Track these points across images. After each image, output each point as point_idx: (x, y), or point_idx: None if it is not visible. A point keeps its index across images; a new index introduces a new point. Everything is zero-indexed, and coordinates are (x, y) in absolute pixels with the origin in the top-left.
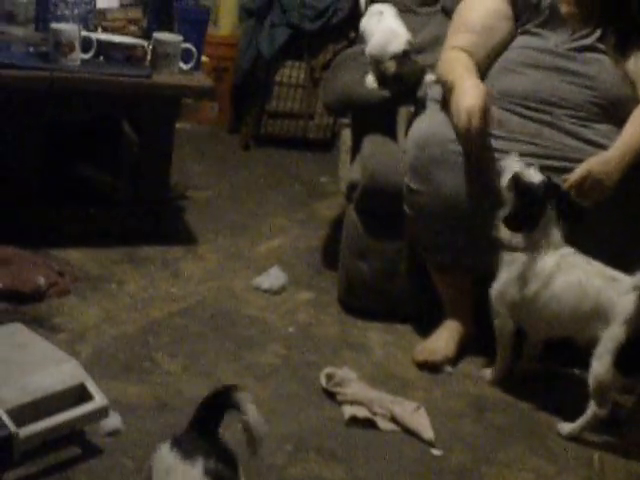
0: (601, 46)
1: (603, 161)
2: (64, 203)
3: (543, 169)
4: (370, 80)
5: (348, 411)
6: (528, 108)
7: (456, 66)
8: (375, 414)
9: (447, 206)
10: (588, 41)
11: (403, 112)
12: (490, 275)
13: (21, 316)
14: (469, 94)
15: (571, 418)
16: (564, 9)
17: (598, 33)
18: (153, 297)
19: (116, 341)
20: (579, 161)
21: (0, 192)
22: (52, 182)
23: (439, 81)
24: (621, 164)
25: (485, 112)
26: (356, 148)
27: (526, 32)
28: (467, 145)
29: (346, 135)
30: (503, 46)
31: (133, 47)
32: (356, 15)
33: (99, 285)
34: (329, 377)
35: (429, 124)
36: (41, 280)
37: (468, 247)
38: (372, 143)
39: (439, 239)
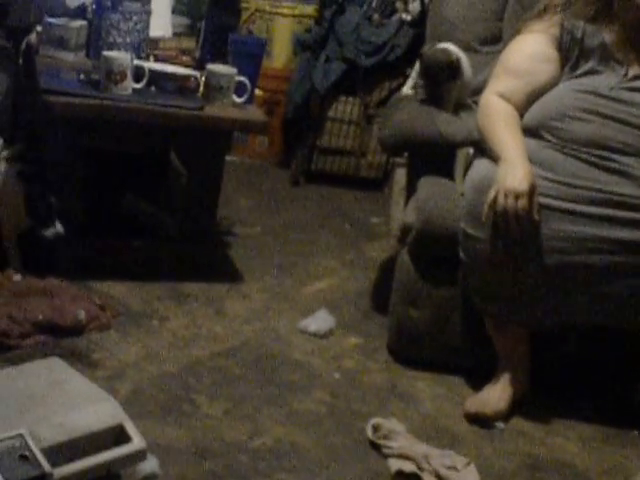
0: None
1: None
2: (108, 235)
3: (606, 219)
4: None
5: (394, 465)
6: (593, 155)
7: (499, 124)
8: (422, 469)
9: (505, 255)
10: None
11: (462, 154)
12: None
13: (60, 350)
14: (519, 176)
15: None
16: (616, 51)
17: None
18: (195, 336)
19: (156, 380)
20: None
21: (44, 220)
22: (97, 213)
23: (479, 128)
24: None
25: (532, 197)
26: (411, 189)
27: (578, 75)
28: (506, 223)
29: (399, 175)
30: (545, 89)
31: (186, 78)
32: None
33: (141, 321)
34: (376, 428)
35: (489, 167)
36: (82, 314)
37: (526, 301)
38: (429, 185)
39: (495, 289)
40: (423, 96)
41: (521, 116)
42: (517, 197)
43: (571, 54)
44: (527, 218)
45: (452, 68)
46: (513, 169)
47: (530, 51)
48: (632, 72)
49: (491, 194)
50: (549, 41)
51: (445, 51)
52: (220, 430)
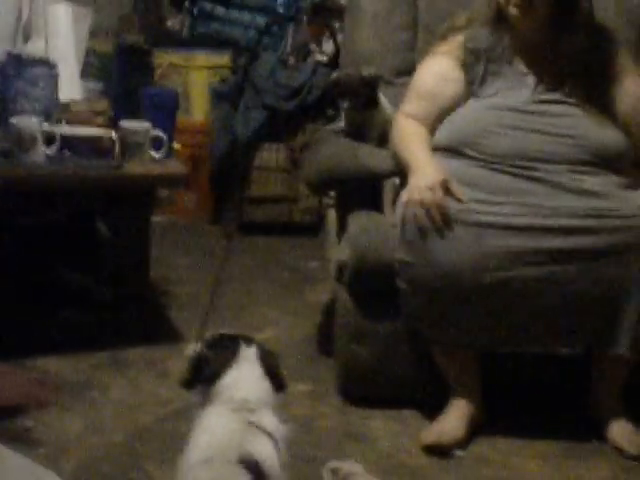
0: (569, 99)
1: None
2: (40, 308)
3: (536, 229)
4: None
5: None
6: (516, 167)
7: (409, 141)
8: None
9: (445, 277)
10: (555, 95)
11: (389, 185)
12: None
13: None
14: (428, 173)
15: None
16: (521, 65)
17: (566, 88)
18: (139, 401)
19: (102, 452)
20: (573, 216)
21: None
22: (27, 287)
23: (393, 149)
24: None
25: (446, 185)
26: (342, 227)
27: (490, 94)
28: (429, 221)
29: (332, 216)
30: (452, 108)
31: (99, 138)
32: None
33: (81, 393)
34: (334, 472)
35: None
36: (18, 393)
37: (470, 323)
38: (359, 219)
39: (439, 315)
40: (345, 128)
41: (431, 134)
42: (430, 190)
43: (476, 72)
44: (442, 208)
45: (368, 82)
46: (421, 171)
47: (434, 73)
48: (540, 84)
49: (404, 197)
50: (452, 62)
51: (357, 69)
52: None
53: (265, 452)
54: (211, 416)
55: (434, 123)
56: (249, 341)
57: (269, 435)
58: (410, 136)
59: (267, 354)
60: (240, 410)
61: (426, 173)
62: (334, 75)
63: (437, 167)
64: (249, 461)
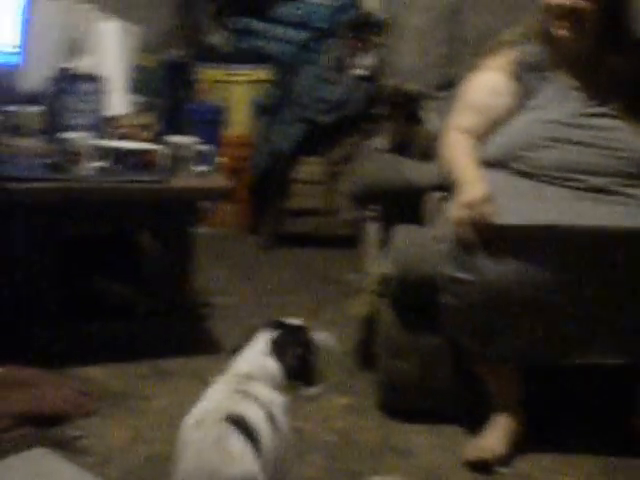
0: (615, 113)
1: None
2: (83, 319)
3: (580, 241)
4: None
5: None
6: (562, 179)
7: (457, 155)
8: None
9: (493, 291)
10: (602, 109)
11: (434, 197)
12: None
13: (44, 441)
14: (471, 189)
15: None
16: (571, 80)
17: (613, 102)
18: (182, 412)
19: (146, 462)
20: (619, 226)
21: (16, 311)
22: (70, 297)
23: (442, 161)
24: None
25: (486, 203)
26: (385, 240)
27: (539, 107)
28: (474, 237)
29: (371, 228)
30: (503, 121)
31: (147, 152)
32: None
33: (125, 402)
34: None
35: None
36: (63, 402)
37: (516, 339)
38: (403, 233)
39: (485, 330)
40: (388, 143)
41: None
42: (472, 207)
43: (527, 86)
44: (485, 224)
45: (410, 97)
46: (468, 187)
47: (488, 87)
48: (587, 98)
49: (453, 213)
50: (505, 76)
51: (402, 83)
52: None
53: (254, 415)
54: (209, 388)
55: (484, 136)
56: (279, 326)
57: (260, 403)
58: (459, 150)
59: (289, 342)
60: (232, 382)
61: (472, 189)
62: (379, 83)
63: (483, 183)
64: (238, 420)
